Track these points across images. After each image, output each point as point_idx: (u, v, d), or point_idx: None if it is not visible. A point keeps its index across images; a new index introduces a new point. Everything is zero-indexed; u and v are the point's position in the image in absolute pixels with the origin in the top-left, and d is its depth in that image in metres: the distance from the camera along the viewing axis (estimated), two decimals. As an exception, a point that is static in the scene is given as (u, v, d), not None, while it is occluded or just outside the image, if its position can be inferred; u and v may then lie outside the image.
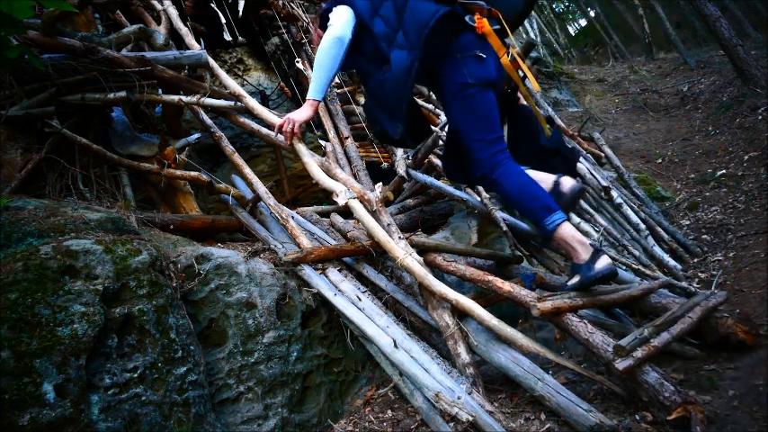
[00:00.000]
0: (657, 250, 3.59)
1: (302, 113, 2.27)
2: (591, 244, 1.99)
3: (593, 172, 4.16)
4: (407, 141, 2.41)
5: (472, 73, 2.12)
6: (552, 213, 1.99)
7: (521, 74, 2.24)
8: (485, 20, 2.15)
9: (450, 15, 2.10)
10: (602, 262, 1.92)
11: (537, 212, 2.01)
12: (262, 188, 2.51)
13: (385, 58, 2.12)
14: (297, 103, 4.58)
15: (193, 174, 2.66)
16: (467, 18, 2.16)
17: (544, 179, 2.10)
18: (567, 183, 2.08)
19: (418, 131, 2.43)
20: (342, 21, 2.15)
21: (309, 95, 2.23)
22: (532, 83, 2.41)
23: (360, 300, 2.07)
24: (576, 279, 1.95)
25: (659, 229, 3.88)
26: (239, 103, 2.57)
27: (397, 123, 2.19)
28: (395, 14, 2.14)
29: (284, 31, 4.58)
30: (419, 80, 2.24)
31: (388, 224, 2.21)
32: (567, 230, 1.97)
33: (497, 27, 2.18)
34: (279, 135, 2.37)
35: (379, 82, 2.20)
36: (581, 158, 4.32)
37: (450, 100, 2.18)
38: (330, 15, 2.20)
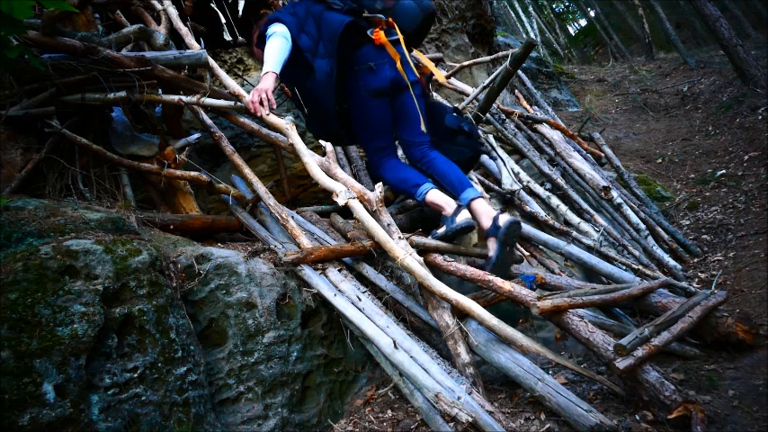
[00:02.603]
0: (657, 250, 3.58)
1: (266, 83, 2.44)
2: (456, 203, 2.38)
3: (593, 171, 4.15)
4: (343, 138, 2.77)
5: (365, 85, 2.50)
6: (420, 187, 2.48)
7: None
8: (381, 32, 2.51)
9: (354, 26, 2.45)
10: (462, 216, 2.32)
11: (409, 190, 2.52)
12: (262, 188, 2.51)
13: (311, 68, 2.45)
14: (297, 103, 4.57)
15: (193, 174, 2.65)
16: (368, 31, 2.51)
17: (486, 212, 2.37)
18: (503, 218, 2.32)
19: (352, 129, 2.74)
20: (280, 27, 2.48)
21: (267, 68, 2.43)
22: (437, 75, 2.88)
23: (360, 300, 2.07)
24: (442, 229, 2.35)
25: (659, 229, 3.87)
26: (239, 103, 2.57)
27: (330, 123, 2.58)
28: (315, 28, 2.48)
29: (284, 31, 4.58)
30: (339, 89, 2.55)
31: (388, 224, 2.21)
32: (435, 195, 2.44)
33: (396, 37, 2.52)
34: (260, 111, 2.46)
35: (308, 90, 2.56)
36: (581, 158, 4.32)
37: (352, 106, 2.56)
38: (267, 33, 2.50)
